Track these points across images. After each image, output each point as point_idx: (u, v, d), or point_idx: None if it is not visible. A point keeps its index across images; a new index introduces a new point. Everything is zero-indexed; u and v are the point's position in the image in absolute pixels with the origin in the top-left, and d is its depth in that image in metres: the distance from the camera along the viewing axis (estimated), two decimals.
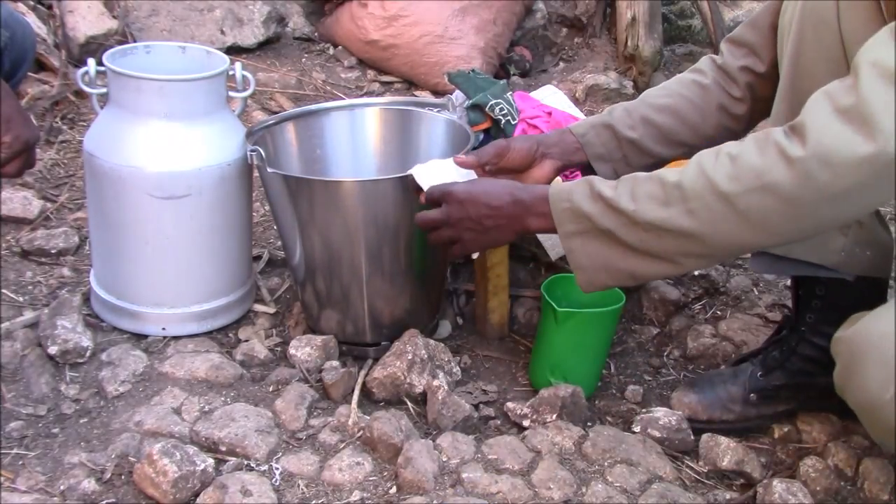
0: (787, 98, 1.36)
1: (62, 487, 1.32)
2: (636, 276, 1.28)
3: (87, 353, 1.61)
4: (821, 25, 1.29)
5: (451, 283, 1.91)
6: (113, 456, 1.38)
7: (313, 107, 1.87)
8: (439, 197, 1.42)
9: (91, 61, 1.66)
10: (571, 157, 1.55)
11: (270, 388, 1.59)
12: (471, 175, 1.50)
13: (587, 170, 1.56)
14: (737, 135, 1.58)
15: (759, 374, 1.57)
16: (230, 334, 1.75)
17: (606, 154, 1.55)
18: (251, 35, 2.95)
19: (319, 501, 1.34)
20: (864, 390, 1.20)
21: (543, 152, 1.54)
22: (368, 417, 1.48)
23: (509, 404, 1.57)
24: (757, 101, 1.54)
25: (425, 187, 1.47)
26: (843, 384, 1.27)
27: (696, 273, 2.01)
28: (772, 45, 1.49)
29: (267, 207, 2.13)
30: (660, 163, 1.57)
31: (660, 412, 1.54)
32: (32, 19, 2.54)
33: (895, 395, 1.15)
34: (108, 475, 1.35)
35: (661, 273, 1.28)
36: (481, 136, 1.91)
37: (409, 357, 1.58)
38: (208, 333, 1.72)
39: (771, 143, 1.12)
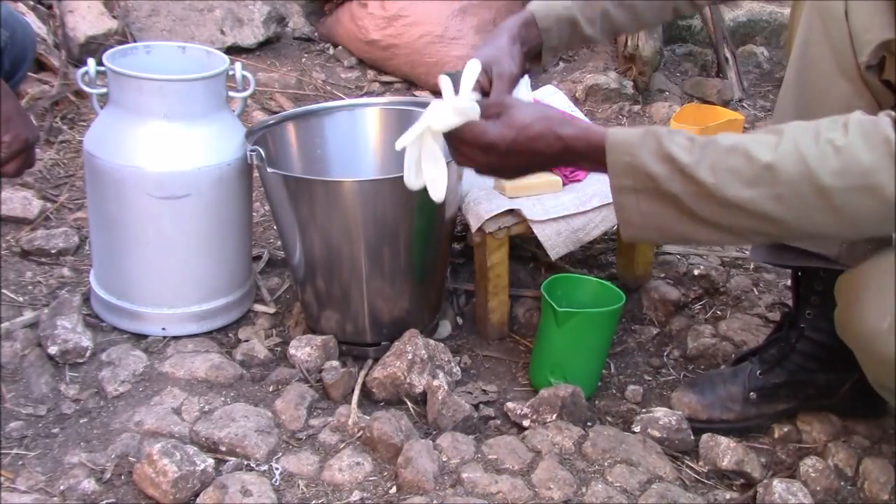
0: (792, 85, 1.37)
1: (62, 487, 1.32)
2: (690, 240, 1.23)
3: (87, 353, 1.61)
4: (829, 19, 1.30)
5: (451, 283, 1.91)
6: (113, 456, 1.38)
7: (313, 107, 1.87)
8: (478, 146, 1.27)
9: (91, 61, 1.66)
10: (530, 48, 1.49)
11: (270, 388, 1.59)
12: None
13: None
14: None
15: (759, 372, 1.57)
16: (230, 334, 1.75)
17: (559, 46, 1.52)
18: (251, 35, 2.95)
19: (319, 501, 1.34)
20: (862, 322, 1.20)
21: (521, 52, 1.47)
22: (368, 417, 1.48)
23: (509, 404, 1.57)
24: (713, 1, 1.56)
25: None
26: (842, 321, 1.27)
27: (696, 273, 2.01)
28: None
29: (267, 207, 2.13)
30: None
31: (660, 412, 1.54)
32: (32, 19, 2.54)
33: (894, 323, 1.15)
34: (108, 475, 1.35)
35: (718, 242, 1.22)
36: None
37: (409, 357, 1.58)
38: (208, 333, 1.72)
39: (881, 139, 1.07)
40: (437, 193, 1.29)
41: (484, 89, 1.40)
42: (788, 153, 1.10)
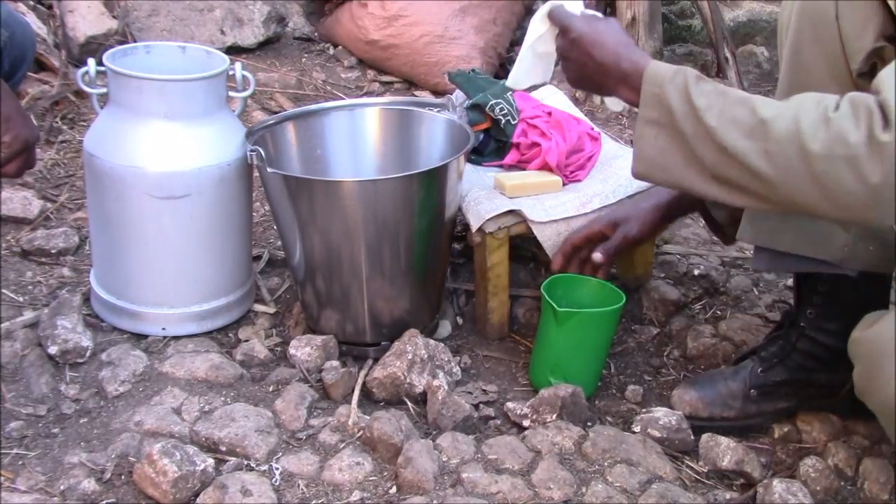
0: (785, 91, 1.36)
1: (62, 487, 1.32)
2: (687, 188, 1.25)
3: (87, 353, 1.61)
4: (819, 23, 1.29)
5: (451, 283, 1.91)
6: (113, 456, 1.38)
7: (313, 107, 1.87)
8: (560, 27, 1.41)
9: (91, 61, 1.66)
10: None
11: (270, 388, 1.59)
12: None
13: None
14: None
15: (760, 370, 1.57)
16: (230, 334, 1.75)
17: None
18: (251, 35, 2.95)
19: (319, 501, 1.34)
20: (886, 393, 1.18)
21: None
22: (368, 417, 1.48)
23: (509, 404, 1.57)
24: None
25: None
26: (863, 387, 1.25)
27: (696, 273, 2.01)
28: None
29: (267, 207, 2.13)
30: None
31: (660, 412, 1.54)
32: (32, 19, 2.54)
33: None
34: (108, 475, 1.35)
35: (715, 196, 1.23)
36: (481, 136, 1.91)
37: (409, 357, 1.58)
38: (208, 333, 1.72)
39: (864, 114, 1.07)
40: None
41: None
42: (786, 114, 1.13)
